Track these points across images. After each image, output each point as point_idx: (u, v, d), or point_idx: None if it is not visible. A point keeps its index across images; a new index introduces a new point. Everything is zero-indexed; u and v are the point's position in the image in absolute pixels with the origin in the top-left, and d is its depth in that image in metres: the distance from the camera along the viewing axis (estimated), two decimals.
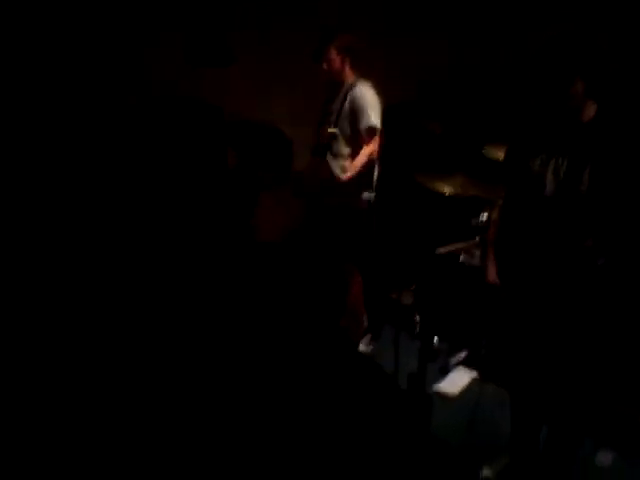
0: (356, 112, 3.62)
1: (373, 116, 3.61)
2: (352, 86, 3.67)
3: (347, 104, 3.66)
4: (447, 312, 3.72)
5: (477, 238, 3.63)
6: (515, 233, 2.57)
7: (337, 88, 3.74)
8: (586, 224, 2.34)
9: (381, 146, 3.68)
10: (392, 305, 3.84)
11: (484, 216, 3.57)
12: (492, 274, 2.74)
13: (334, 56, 3.59)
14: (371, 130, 3.63)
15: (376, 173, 3.71)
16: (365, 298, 3.52)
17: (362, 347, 3.74)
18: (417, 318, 3.65)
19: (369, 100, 3.62)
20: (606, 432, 3.05)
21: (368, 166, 3.66)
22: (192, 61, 4.20)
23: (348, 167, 3.69)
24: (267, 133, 3.38)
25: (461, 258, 3.64)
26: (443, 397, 3.37)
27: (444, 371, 3.58)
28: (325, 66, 3.61)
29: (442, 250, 3.56)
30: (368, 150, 3.66)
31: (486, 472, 2.91)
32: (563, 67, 2.28)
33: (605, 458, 2.97)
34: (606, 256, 2.37)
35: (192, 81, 4.00)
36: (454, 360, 3.64)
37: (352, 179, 3.66)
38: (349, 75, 3.70)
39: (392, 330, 3.37)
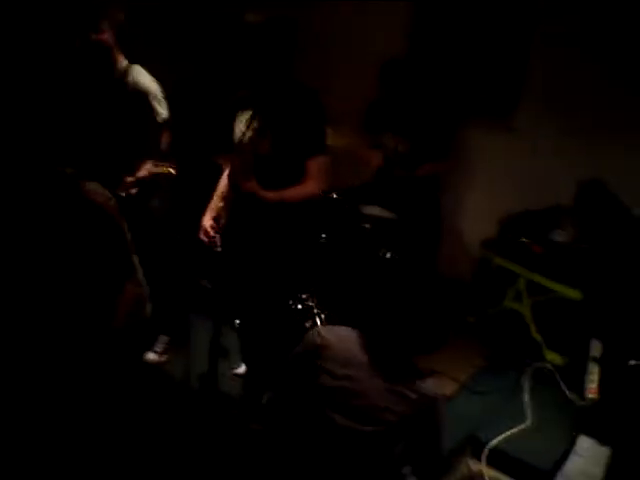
0: (144, 106, 3.09)
1: (163, 108, 3.15)
2: (127, 70, 3.09)
3: (127, 95, 3.08)
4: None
5: None
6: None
7: (98, 71, 3.10)
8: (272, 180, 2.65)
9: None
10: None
11: None
12: (208, 219, 2.87)
13: (106, 30, 2.96)
14: (163, 125, 3.19)
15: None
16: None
17: (152, 356, 3.47)
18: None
19: (156, 90, 3.12)
20: None
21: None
22: None
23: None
24: None
25: None
26: None
27: None
28: (93, 37, 2.96)
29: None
30: (164, 145, 3.22)
31: None
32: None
33: None
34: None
35: None
36: None
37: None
38: (120, 58, 3.09)
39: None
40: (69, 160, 2.40)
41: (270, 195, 2.65)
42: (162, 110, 3.17)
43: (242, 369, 3.37)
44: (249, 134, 2.68)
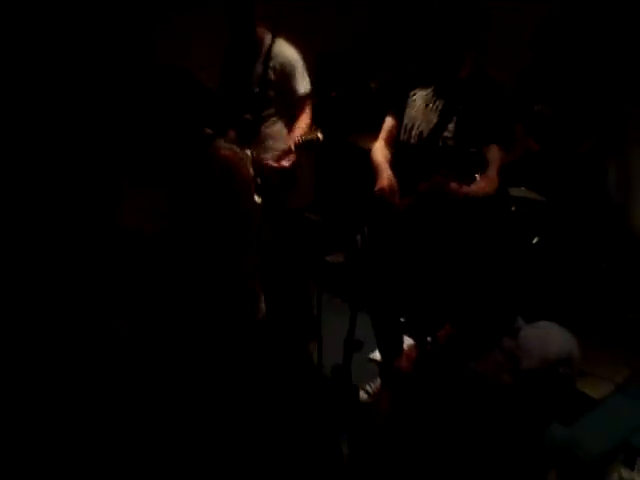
0: (288, 78, 3.14)
1: (306, 80, 3.19)
2: (272, 44, 3.14)
3: (272, 68, 3.14)
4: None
5: None
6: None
7: (246, 44, 3.18)
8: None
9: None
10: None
11: None
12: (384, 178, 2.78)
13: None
14: (306, 97, 3.21)
15: None
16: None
17: None
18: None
19: (299, 62, 3.16)
20: None
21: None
22: None
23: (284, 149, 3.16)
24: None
25: None
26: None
27: None
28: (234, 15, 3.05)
29: None
30: (306, 121, 3.21)
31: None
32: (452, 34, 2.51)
33: None
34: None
35: None
36: None
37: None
38: (263, 32, 3.16)
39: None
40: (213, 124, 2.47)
41: (464, 191, 2.52)
42: (303, 83, 3.20)
43: (377, 355, 3.29)
44: (430, 118, 2.61)
